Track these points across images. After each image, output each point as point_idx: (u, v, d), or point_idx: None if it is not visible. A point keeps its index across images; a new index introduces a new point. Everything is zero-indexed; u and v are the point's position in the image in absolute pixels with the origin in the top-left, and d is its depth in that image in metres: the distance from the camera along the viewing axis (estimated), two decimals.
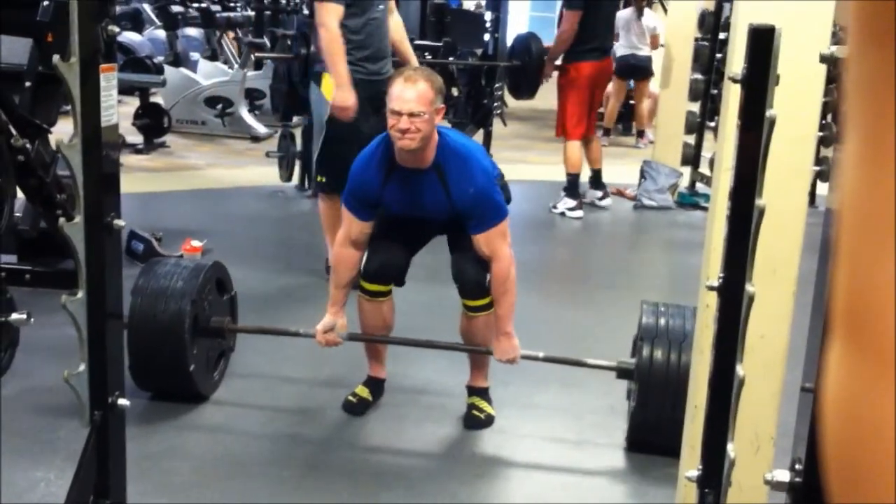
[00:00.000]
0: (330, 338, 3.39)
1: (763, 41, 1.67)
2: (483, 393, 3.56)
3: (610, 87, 9.97)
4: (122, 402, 2.24)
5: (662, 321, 3.20)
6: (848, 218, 0.44)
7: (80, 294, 2.07)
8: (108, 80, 1.94)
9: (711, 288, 1.80)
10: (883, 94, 0.41)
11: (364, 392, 3.58)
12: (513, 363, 3.35)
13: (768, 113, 1.68)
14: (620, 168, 8.12)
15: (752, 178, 1.70)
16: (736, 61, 1.96)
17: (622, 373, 3.25)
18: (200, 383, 3.47)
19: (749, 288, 1.74)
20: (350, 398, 3.56)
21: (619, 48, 9.53)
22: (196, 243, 5.25)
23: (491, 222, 3.19)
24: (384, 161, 3.20)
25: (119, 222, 2.05)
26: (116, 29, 1.93)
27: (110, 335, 2.14)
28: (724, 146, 2.26)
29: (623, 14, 9.62)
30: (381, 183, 3.21)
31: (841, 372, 0.44)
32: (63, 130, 2.79)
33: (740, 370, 1.78)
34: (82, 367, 2.13)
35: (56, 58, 1.88)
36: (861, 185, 0.43)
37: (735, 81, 1.73)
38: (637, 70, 9.65)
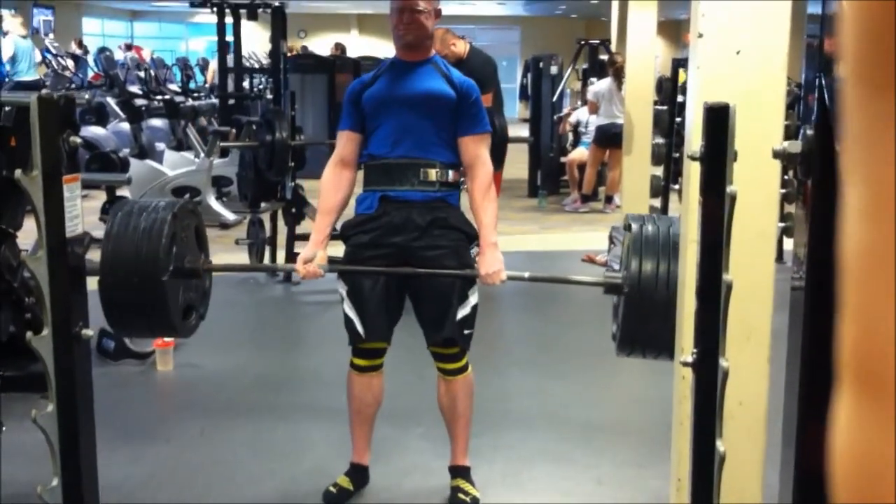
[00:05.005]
0: (311, 269, 3.23)
1: (718, 119, 1.70)
2: (466, 473, 3.51)
3: (587, 154, 10.19)
4: None
5: (650, 228, 2.97)
6: (856, 270, 0.44)
7: (51, 407, 2.04)
8: (72, 190, 1.93)
9: (686, 364, 1.80)
10: (888, 145, 0.41)
11: (345, 482, 3.51)
12: (496, 282, 3.17)
13: (729, 189, 1.70)
14: (590, 234, 8.17)
15: (718, 253, 1.71)
16: (694, 139, 1.99)
17: (610, 287, 2.97)
18: (179, 328, 3.09)
19: (723, 363, 1.74)
20: (331, 489, 3.49)
21: (600, 118, 9.79)
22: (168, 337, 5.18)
23: (481, 126, 3.40)
24: (384, 64, 3.51)
25: (87, 332, 2.03)
26: (78, 140, 1.93)
27: (83, 447, 2.10)
28: (688, 218, 2.28)
29: (602, 85, 9.91)
30: (375, 76, 3.42)
31: (854, 423, 0.43)
32: (29, 228, 2.76)
33: (720, 445, 1.77)
34: (55, 482, 2.09)
35: (18, 172, 1.87)
36: (870, 237, 0.43)
37: (694, 159, 1.75)
38: (616, 138, 9.83)
